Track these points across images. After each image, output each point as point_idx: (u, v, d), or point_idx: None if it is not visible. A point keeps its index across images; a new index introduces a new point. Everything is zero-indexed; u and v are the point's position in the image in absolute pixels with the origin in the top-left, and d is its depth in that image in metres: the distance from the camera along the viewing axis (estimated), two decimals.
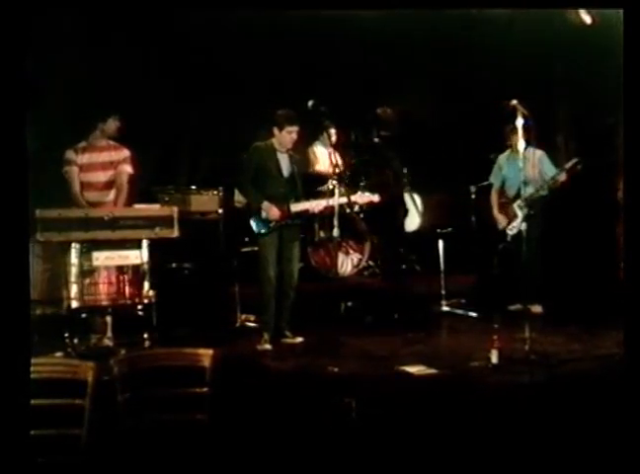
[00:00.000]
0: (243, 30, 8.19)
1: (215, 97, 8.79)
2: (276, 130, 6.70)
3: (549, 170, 7.73)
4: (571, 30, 7.95)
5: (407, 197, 7.73)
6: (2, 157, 3.32)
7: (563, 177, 7.59)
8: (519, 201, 7.52)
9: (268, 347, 6.54)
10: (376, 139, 8.14)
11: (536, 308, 7.56)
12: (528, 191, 7.57)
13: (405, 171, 8.27)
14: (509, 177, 7.85)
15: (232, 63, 8.65)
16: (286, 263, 6.77)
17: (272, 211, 6.60)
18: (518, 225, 7.49)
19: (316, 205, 6.77)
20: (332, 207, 6.45)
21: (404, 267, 8.35)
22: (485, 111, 8.42)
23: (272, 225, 6.63)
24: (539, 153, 7.78)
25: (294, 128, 6.66)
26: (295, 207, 6.69)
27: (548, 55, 8.76)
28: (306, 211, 6.77)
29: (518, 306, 7.14)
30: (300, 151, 8.06)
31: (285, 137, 6.68)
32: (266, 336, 6.61)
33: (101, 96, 7.69)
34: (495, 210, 7.98)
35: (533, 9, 7.52)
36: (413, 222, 7.97)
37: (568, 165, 7.57)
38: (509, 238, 7.46)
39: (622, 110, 4.09)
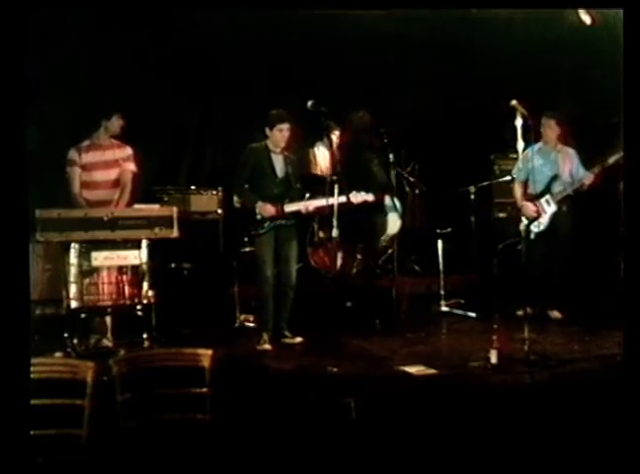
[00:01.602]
0: (243, 30, 8.19)
1: (216, 97, 8.80)
2: (267, 130, 6.75)
3: (580, 169, 7.52)
4: (571, 29, 7.95)
5: (387, 199, 7.76)
6: (2, 157, 3.32)
7: (591, 178, 7.37)
8: (547, 197, 7.46)
9: (267, 347, 6.54)
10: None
11: (554, 313, 7.51)
12: (558, 187, 7.50)
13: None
14: (537, 171, 7.40)
15: (233, 63, 8.65)
16: (284, 263, 6.79)
17: (265, 209, 6.63)
18: (545, 222, 7.42)
19: (309, 205, 6.78)
20: (331, 207, 6.45)
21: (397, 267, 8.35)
22: (485, 110, 8.45)
23: (266, 225, 6.65)
24: (571, 151, 7.62)
25: (285, 126, 6.70)
26: (289, 207, 6.71)
27: (549, 55, 8.76)
28: (300, 212, 6.79)
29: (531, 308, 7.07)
30: (300, 151, 8.09)
31: (277, 135, 6.71)
32: (265, 336, 6.61)
33: (102, 95, 7.70)
34: (519, 204, 7.57)
35: (533, 9, 7.51)
36: (394, 225, 7.98)
37: (612, 159, 7.16)
38: (532, 235, 7.21)
39: (622, 110, 4.11)
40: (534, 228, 7.38)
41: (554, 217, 7.43)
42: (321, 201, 6.75)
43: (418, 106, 9.09)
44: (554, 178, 7.50)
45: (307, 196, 6.96)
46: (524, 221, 6.90)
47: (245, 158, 6.78)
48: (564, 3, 6.31)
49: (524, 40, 8.55)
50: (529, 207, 7.48)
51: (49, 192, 6.68)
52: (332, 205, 6.41)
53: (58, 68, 7.59)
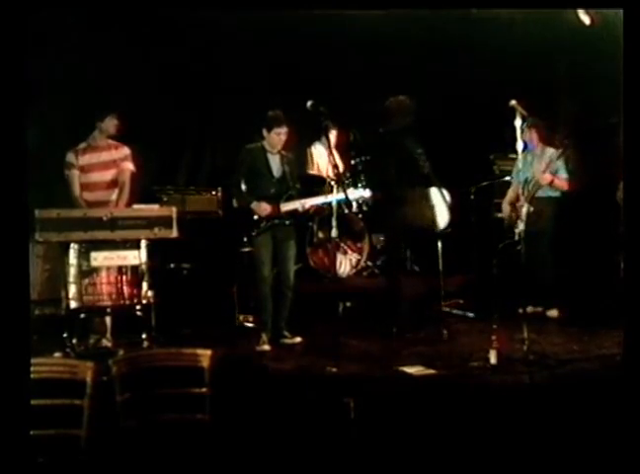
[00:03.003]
0: (243, 30, 8.20)
1: (216, 97, 8.80)
2: (264, 131, 6.76)
3: (561, 171, 7.62)
4: (571, 29, 7.96)
5: (435, 191, 7.21)
6: (2, 157, 3.32)
7: (548, 176, 7.50)
8: (522, 199, 7.53)
9: (266, 347, 6.54)
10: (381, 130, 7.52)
11: (552, 312, 7.56)
12: (529, 188, 7.57)
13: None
14: (518, 174, 7.78)
15: (232, 63, 8.66)
16: (282, 263, 6.80)
17: (261, 208, 6.64)
18: (522, 223, 7.48)
19: (305, 204, 6.79)
20: (329, 207, 6.46)
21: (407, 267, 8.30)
22: (485, 110, 8.46)
23: (262, 225, 6.66)
24: (550, 152, 7.66)
25: (282, 130, 6.71)
26: (286, 207, 6.72)
27: (549, 55, 8.77)
28: (296, 211, 6.79)
29: (532, 309, 7.26)
30: (298, 151, 8.09)
31: (274, 138, 6.73)
32: (264, 336, 6.62)
33: (101, 95, 7.70)
34: (504, 205, 7.91)
35: (533, 9, 7.51)
36: (442, 219, 7.37)
37: (558, 153, 7.46)
38: (516, 236, 7.36)
39: (622, 110, 4.11)
40: (515, 229, 7.49)
41: (534, 218, 7.46)
42: (318, 199, 6.78)
43: (417, 106, 9.08)
44: (526, 181, 7.59)
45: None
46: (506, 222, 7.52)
47: (241, 159, 6.80)
48: (564, 3, 6.32)
49: (524, 41, 8.54)
50: (508, 209, 7.80)
51: (47, 191, 6.69)
52: (331, 205, 6.41)
53: (58, 68, 7.59)
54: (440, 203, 7.21)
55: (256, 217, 6.66)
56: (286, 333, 6.76)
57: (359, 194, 6.77)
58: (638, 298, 3.81)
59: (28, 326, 3.35)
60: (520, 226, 7.42)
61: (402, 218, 7.09)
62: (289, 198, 6.76)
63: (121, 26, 7.85)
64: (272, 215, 6.68)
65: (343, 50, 8.86)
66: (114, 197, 6.80)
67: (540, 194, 7.53)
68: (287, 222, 6.78)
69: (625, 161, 4.02)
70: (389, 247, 7.76)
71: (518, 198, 7.72)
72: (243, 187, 6.75)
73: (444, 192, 7.24)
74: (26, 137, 3.42)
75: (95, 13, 7.09)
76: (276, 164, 6.82)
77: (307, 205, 6.81)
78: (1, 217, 3.26)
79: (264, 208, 6.64)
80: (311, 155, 8.93)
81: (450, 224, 7.39)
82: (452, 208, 7.32)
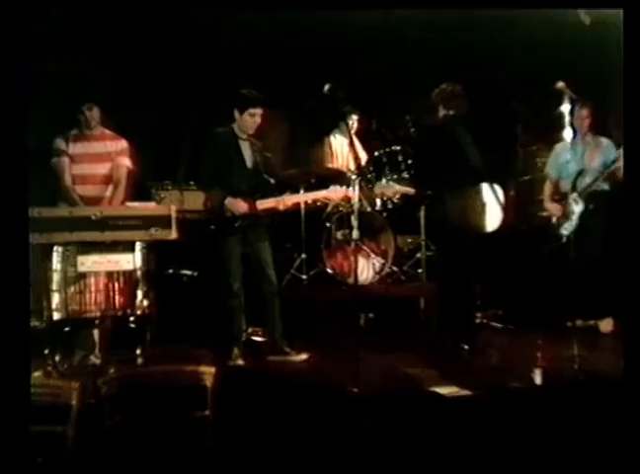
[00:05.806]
0: (244, 30, 8.37)
1: (215, 91, 8.86)
2: (236, 113, 6.57)
3: (615, 158, 7.40)
4: (572, 30, 8.11)
5: (486, 188, 6.86)
6: (2, 157, 3.46)
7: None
8: (574, 195, 7.44)
9: (240, 362, 6.42)
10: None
11: (606, 325, 7.41)
12: (585, 182, 7.46)
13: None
14: (566, 166, 7.69)
15: (232, 63, 8.77)
16: (259, 267, 6.64)
17: (237, 205, 6.46)
18: (574, 223, 7.40)
19: (286, 202, 6.63)
20: (350, 204, 6.38)
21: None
22: (486, 111, 8.48)
23: (236, 225, 6.52)
24: (606, 141, 7.63)
25: (257, 111, 6.52)
26: (262, 204, 6.55)
27: (549, 55, 8.83)
28: (274, 209, 6.60)
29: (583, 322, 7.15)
30: (313, 144, 8.08)
31: (247, 121, 6.54)
32: (236, 351, 6.51)
33: (100, 95, 7.79)
34: (546, 202, 7.83)
35: (533, 9, 7.58)
36: (495, 218, 6.96)
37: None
38: (563, 239, 7.31)
39: (622, 109, 4.26)
40: (564, 231, 7.42)
41: (584, 217, 7.38)
42: (299, 196, 6.67)
43: (418, 107, 9.14)
44: (579, 173, 7.50)
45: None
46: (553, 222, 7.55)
47: (209, 147, 6.62)
48: (564, 3, 6.43)
49: (525, 41, 8.70)
50: (555, 208, 7.70)
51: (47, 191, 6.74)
52: (349, 200, 6.32)
53: (57, 67, 7.71)
54: (491, 202, 6.90)
55: (229, 214, 6.50)
56: (287, 348, 6.61)
57: (342, 192, 6.63)
58: None
59: (28, 326, 3.41)
60: (570, 226, 7.35)
61: (453, 219, 6.75)
62: (264, 194, 6.61)
63: (121, 25, 8.06)
64: (248, 214, 6.53)
65: (342, 51, 9.00)
66: (107, 193, 6.85)
67: (595, 187, 7.41)
68: (262, 222, 6.63)
69: (625, 161, 4.12)
70: (443, 251, 7.56)
71: (558, 194, 7.65)
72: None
73: (497, 188, 6.95)
74: (25, 138, 3.59)
75: (95, 13, 7.37)
76: (248, 152, 6.65)
77: (289, 204, 6.64)
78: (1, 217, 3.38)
79: (241, 206, 6.47)
80: (330, 145, 8.88)
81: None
82: (505, 208, 7.05)
